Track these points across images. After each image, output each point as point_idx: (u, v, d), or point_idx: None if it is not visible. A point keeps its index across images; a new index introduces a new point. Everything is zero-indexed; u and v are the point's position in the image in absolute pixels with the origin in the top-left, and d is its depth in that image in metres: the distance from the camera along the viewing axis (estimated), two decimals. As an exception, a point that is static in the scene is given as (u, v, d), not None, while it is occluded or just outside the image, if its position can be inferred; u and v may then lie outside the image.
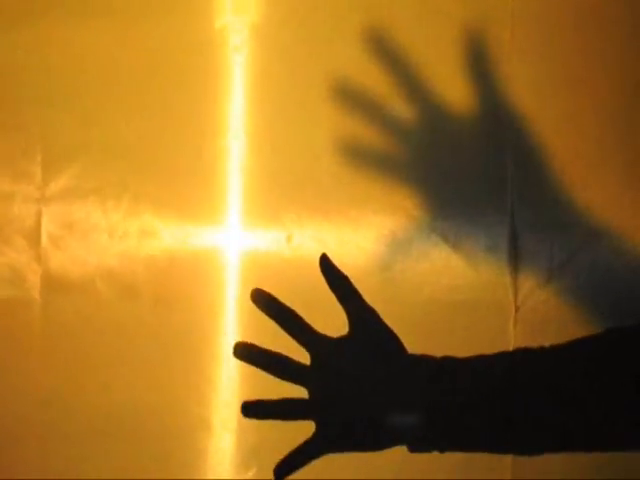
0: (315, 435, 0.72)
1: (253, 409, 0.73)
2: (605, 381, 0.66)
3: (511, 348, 0.95)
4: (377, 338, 0.72)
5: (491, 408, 0.69)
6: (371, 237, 0.98)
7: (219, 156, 1.01)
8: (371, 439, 0.71)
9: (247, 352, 0.73)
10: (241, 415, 0.92)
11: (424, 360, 0.71)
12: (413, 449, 0.70)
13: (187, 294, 1.00)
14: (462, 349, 0.88)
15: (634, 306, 0.94)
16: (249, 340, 0.92)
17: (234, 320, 0.99)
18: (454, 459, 0.89)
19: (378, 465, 0.92)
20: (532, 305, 0.98)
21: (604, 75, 0.99)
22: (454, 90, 0.99)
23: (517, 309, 0.97)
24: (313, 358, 0.72)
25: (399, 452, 0.85)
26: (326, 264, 0.74)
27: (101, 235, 1.01)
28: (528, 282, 0.98)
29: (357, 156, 0.99)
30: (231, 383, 0.98)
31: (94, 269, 1.01)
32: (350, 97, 0.99)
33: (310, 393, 0.72)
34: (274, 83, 1.00)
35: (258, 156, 1.01)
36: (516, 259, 0.98)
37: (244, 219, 1.00)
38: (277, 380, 0.87)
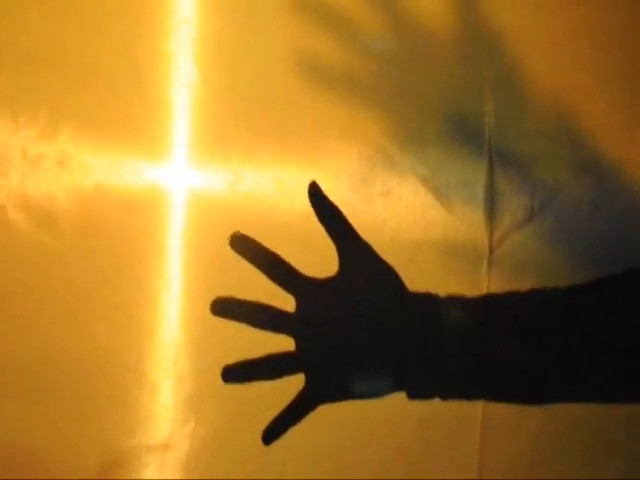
0: (306, 388, 0.65)
1: (234, 373, 0.66)
2: (625, 323, 0.60)
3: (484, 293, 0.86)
4: (373, 275, 0.65)
5: (498, 350, 0.61)
6: (331, 168, 0.87)
7: (158, 68, 0.87)
8: (367, 387, 0.65)
9: (228, 307, 0.66)
10: (178, 364, 0.84)
11: (427, 298, 0.64)
12: (412, 396, 0.63)
13: (116, 230, 0.87)
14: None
15: (625, 251, 0.86)
16: (191, 284, 0.83)
17: (171, 261, 0.87)
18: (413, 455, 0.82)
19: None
20: (508, 248, 0.88)
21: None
22: (427, 5, 0.87)
23: (492, 251, 0.88)
24: (299, 303, 0.65)
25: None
26: (316, 194, 0.67)
27: (13, 154, 0.87)
28: (505, 222, 0.88)
29: (318, 75, 0.86)
30: (168, 330, 0.87)
31: (5, 194, 0.86)
32: (311, 5, 0.86)
33: (297, 343, 0.65)
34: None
35: (204, 69, 0.87)
36: (492, 195, 0.88)
37: (187, 146, 0.87)
38: (220, 322, 0.78)
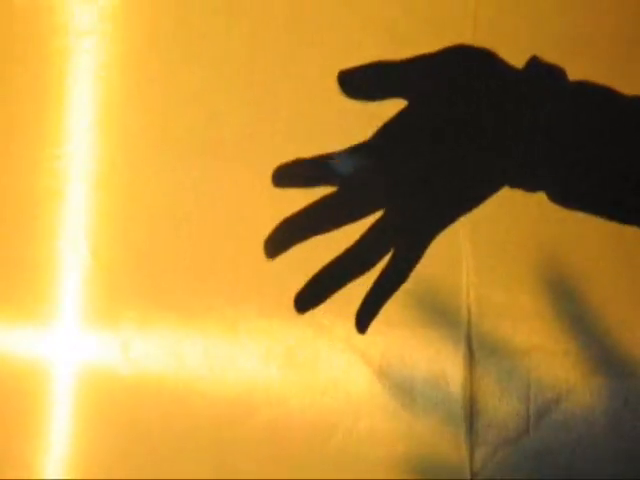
0: (389, 219, 0.49)
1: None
2: None
3: None
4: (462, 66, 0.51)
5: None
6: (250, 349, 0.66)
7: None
8: (470, 190, 0.51)
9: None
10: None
11: (549, 69, 0.51)
12: (516, 183, 0.52)
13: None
14: None
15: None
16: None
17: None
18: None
19: None
20: (495, 471, 0.65)
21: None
22: None
23: (473, 476, 0.65)
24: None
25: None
26: (346, 81, 0.52)
27: None
28: (490, 435, 0.66)
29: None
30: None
31: None
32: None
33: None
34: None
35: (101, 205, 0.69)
36: (473, 396, 0.67)
37: (73, 310, 0.67)
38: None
